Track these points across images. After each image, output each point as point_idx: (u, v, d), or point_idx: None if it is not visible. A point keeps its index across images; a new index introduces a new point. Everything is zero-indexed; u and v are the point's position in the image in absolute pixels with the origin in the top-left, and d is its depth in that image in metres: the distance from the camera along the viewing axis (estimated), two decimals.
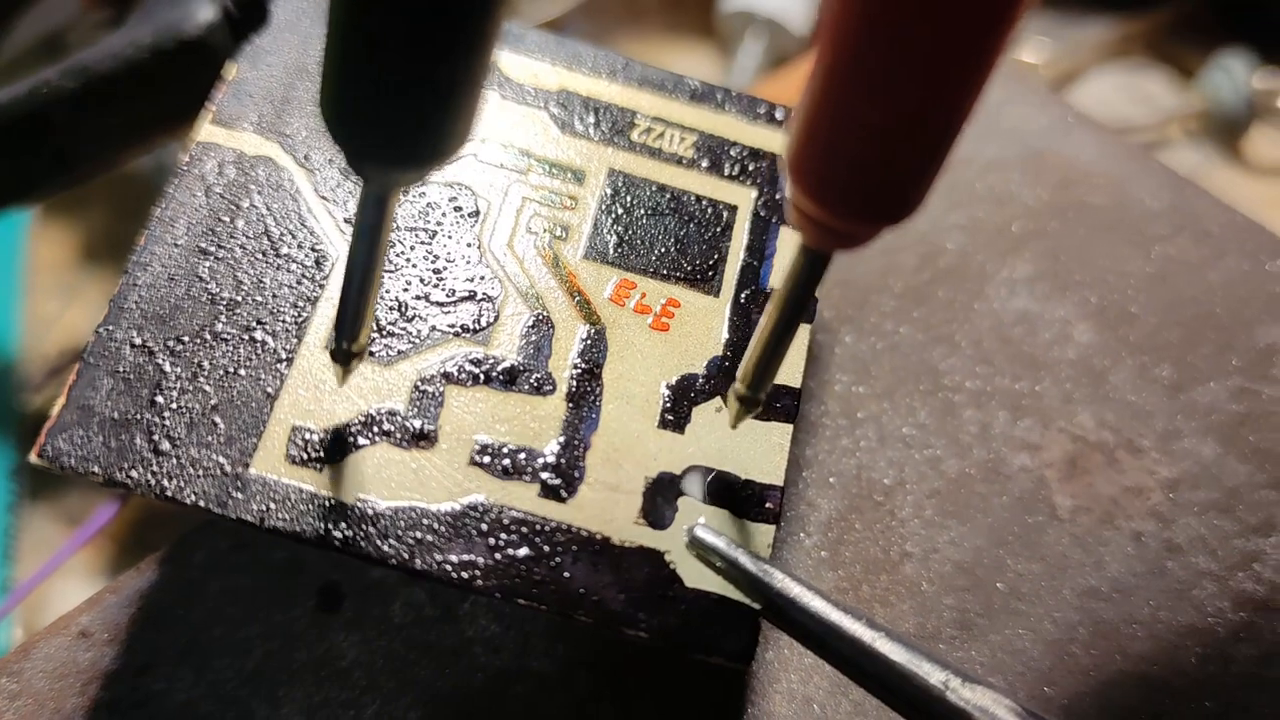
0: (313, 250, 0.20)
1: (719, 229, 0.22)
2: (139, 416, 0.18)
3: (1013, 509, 0.24)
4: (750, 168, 0.23)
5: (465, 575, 0.18)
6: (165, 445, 0.18)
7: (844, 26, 0.13)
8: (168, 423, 0.18)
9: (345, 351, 0.18)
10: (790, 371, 0.21)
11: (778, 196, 0.23)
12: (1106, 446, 0.25)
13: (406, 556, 0.18)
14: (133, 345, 0.19)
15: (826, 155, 0.14)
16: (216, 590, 0.22)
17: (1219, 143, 0.43)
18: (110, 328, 0.19)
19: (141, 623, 0.22)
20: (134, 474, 0.18)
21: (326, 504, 0.18)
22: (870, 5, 0.12)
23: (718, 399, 0.20)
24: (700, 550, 0.19)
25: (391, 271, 0.20)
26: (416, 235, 0.21)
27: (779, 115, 0.24)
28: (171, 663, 0.21)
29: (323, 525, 0.18)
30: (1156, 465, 0.24)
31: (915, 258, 0.27)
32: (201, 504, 0.18)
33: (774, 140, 0.23)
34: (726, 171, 0.23)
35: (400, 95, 0.14)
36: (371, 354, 0.20)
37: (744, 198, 0.23)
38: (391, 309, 0.20)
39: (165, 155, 0.42)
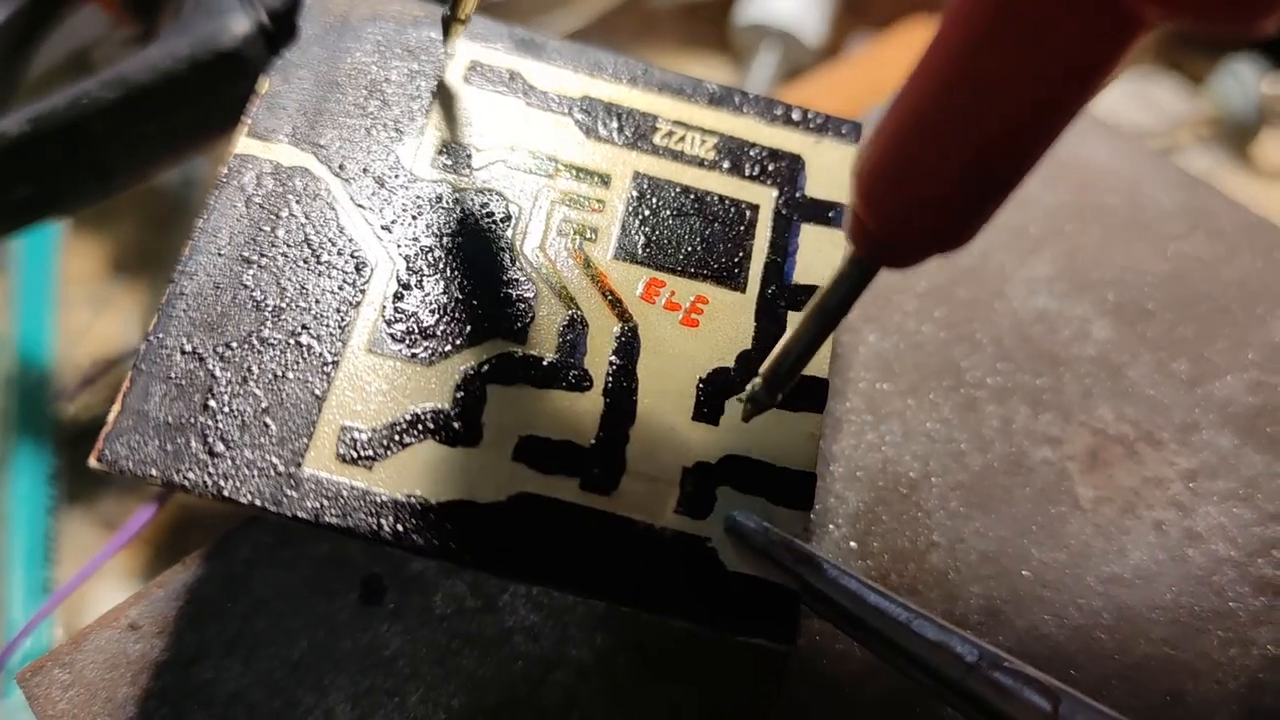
0: (352, 256, 0.21)
1: (742, 227, 0.23)
2: (193, 420, 0.19)
3: (1036, 500, 0.24)
4: (770, 168, 0.24)
5: (514, 565, 0.19)
6: (220, 447, 0.19)
7: (957, 52, 0.13)
8: (221, 426, 0.19)
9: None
10: (819, 363, 0.21)
11: (798, 195, 0.23)
12: (1126, 439, 0.25)
13: (456, 548, 0.18)
14: (183, 351, 0.20)
15: (903, 175, 0.14)
16: (261, 584, 0.23)
17: (1229, 148, 0.44)
18: (160, 335, 0.20)
19: (189, 616, 0.22)
20: (191, 475, 0.19)
21: (377, 500, 0.19)
22: (990, 36, 0.13)
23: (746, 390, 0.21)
24: (739, 535, 0.19)
25: (431, 274, 0.21)
26: (453, 239, 0.22)
27: (795, 116, 0.24)
28: (219, 654, 0.22)
29: (374, 520, 0.19)
30: (1176, 456, 0.25)
31: (937, 258, 0.28)
32: (258, 503, 0.18)
33: (792, 140, 0.24)
34: (747, 172, 0.24)
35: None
36: (414, 355, 0.20)
37: (765, 197, 0.23)
38: (433, 311, 0.21)
39: (192, 169, 0.42)
